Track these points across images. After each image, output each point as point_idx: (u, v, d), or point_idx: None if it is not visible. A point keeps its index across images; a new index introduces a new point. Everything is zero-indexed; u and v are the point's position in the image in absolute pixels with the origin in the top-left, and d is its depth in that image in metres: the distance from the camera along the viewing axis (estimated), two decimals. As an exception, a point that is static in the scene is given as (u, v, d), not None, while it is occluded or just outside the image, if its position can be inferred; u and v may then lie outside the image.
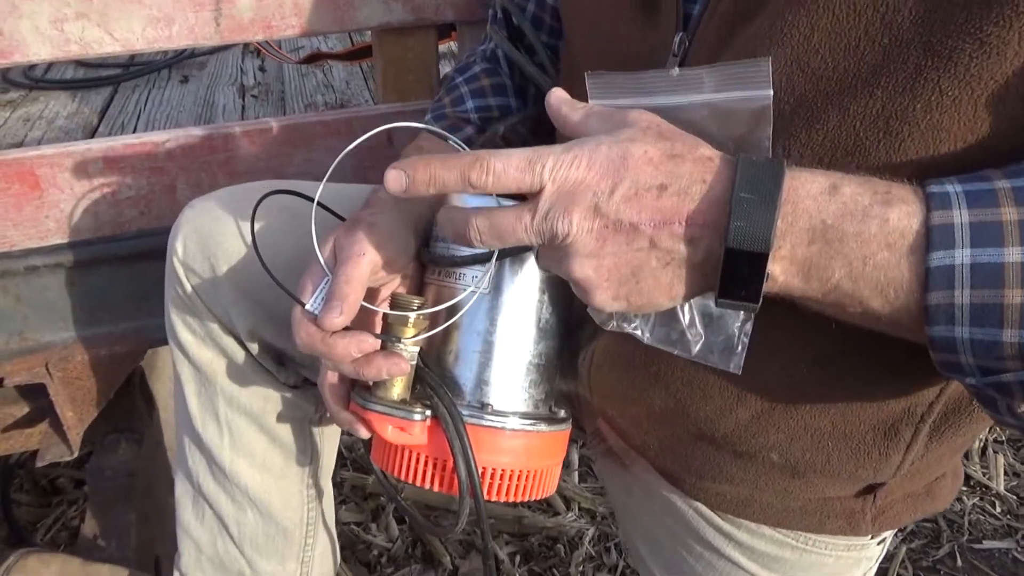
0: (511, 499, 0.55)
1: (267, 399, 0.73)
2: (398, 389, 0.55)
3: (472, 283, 0.54)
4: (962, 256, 0.37)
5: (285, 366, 0.73)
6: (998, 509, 1.41)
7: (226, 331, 0.70)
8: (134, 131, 1.20)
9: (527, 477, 0.56)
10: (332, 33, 1.45)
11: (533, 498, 0.57)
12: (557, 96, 0.48)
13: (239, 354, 0.71)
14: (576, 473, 1.45)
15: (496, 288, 0.55)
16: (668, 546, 0.71)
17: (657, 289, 0.43)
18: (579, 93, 0.49)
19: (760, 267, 0.40)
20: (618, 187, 0.41)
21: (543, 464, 0.57)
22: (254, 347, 0.70)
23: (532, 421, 0.56)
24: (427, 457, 0.55)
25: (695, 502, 0.65)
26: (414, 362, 0.55)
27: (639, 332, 0.50)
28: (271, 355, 0.71)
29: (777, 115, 0.45)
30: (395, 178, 0.45)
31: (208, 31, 0.82)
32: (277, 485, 0.75)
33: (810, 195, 0.40)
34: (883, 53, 0.43)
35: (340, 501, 1.40)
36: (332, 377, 0.57)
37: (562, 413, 0.60)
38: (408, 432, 0.54)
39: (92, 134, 1.19)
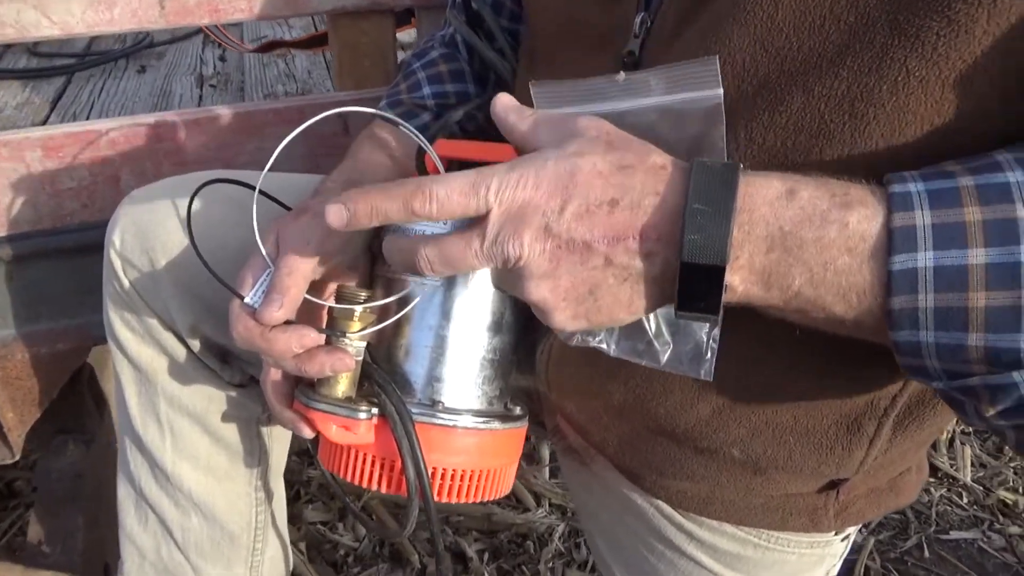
0: (463, 500, 0.54)
1: (211, 399, 0.70)
2: (343, 386, 0.53)
3: (423, 276, 0.52)
4: (925, 259, 0.36)
5: (229, 364, 0.70)
6: (965, 500, 1.43)
7: (166, 327, 0.67)
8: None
9: (480, 477, 0.54)
10: (284, 17, 1.41)
11: (486, 499, 0.55)
12: (503, 104, 0.47)
13: (180, 352, 0.68)
14: (547, 469, 1.44)
15: (449, 281, 0.53)
16: (629, 545, 0.70)
17: (616, 306, 0.42)
18: (540, 79, 0.47)
19: (718, 279, 0.39)
20: (568, 205, 0.40)
21: (497, 463, 0.55)
22: (196, 344, 0.68)
23: (485, 419, 0.54)
24: (374, 457, 0.53)
25: (656, 500, 0.64)
26: (360, 358, 0.53)
27: (604, 346, 0.49)
28: (214, 353, 0.69)
29: (740, 96, 0.44)
30: (335, 212, 0.44)
31: (152, 14, 0.78)
32: (222, 488, 0.73)
33: (766, 201, 0.39)
34: (849, 32, 0.41)
35: (306, 500, 1.38)
36: (275, 374, 0.55)
37: (517, 410, 0.58)
38: (353, 431, 0.52)
39: (43, 125, 1.15)
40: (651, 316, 0.48)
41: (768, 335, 0.49)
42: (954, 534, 1.35)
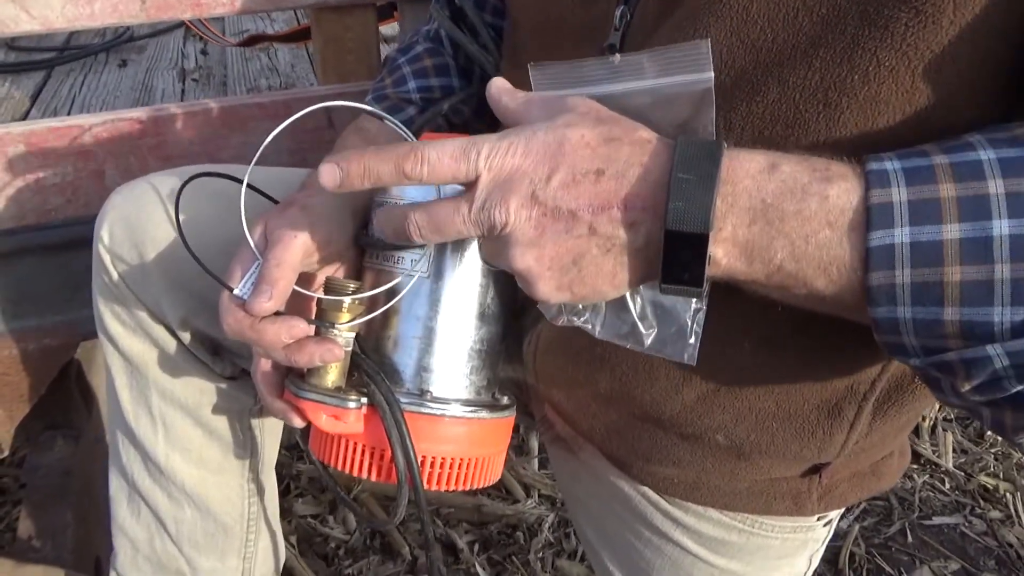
0: (452, 488, 0.54)
1: (202, 391, 0.70)
2: (333, 376, 0.53)
3: (411, 267, 0.53)
4: (902, 235, 0.37)
5: (221, 356, 0.70)
6: (947, 486, 1.45)
7: (157, 321, 0.67)
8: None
9: (469, 465, 0.55)
10: (266, 11, 1.41)
11: (475, 487, 0.56)
12: (497, 86, 0.47)
13: (171, 344, 0.68)
14: (536, 460, 1.44)
15: (437, 272, 0.53)
16: (616, 532, 0.70)
17: (600, 277, 0.43)
18: (523, 75, 0.48)
19: (701, 248, 0.39)
20: (555, 173, 0.41)
21: (485, 452, 0.56)
22: (186, 337, 0.68)
23: (474, 408, 0.55)
24: (364, 446, 0.53)
25: (642, 487, 0.65)
26: (349, 348, 0.53)
27: (589, 326, 0.49)
28: (205, 345, 0.69)
29: (718, 88, 0.44)
30: (328, 172, 0.44)
31: (133, 8, 0.78)
32: (215, 480, 0.73)
33: (749, 174, 0.40)
34: (821, 23, 0.42)
35: (297, 494, 1.38)
36: (265, 365, 0.56)
37: (505, 400, 0.59)
38: (343, 420, 0.52)
39: (23, 120, 1.14)
40: (637, 297, 0.48)
41: (750, 320, 0.50)
42: (937, 519, 1.37)
